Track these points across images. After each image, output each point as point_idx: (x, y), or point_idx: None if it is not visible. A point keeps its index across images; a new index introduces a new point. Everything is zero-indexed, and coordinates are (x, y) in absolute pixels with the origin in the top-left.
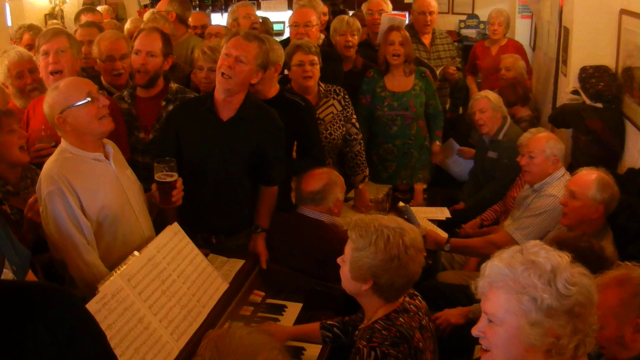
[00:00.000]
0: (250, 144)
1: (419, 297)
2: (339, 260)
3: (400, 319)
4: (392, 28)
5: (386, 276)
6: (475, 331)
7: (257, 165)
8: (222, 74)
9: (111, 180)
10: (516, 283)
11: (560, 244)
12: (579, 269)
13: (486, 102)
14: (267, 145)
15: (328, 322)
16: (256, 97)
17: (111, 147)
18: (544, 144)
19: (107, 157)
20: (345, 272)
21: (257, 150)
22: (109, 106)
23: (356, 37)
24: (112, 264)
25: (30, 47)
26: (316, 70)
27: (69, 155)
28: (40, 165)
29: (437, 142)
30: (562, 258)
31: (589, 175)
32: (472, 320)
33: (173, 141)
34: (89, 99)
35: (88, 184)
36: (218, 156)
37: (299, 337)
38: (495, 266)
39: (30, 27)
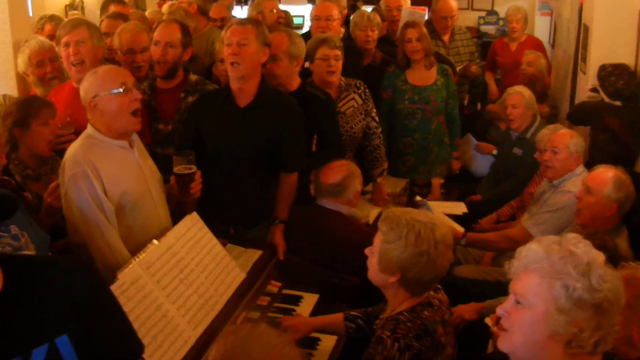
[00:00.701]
0: (269, 129)
1: (442, 291)
2: (367, 250)
3: (425, 312)
4: (406, 25)
5: (414, 270)
6: (499, 310)
7: (276, 152)
8: (231, 63)
9: (134, 168)
10: (551, 268)
11: None
12: (612, 271)
13: (520, 98)
14: (286, 131)
15: (352, 313)
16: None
17: (135, 136)
18: (568, 140)
19: (131, 146)
20: (373, 263)
21: (275, 135)
22: None
23: (376, 32)
24: (129, 250)
25: (51, 37)
26: (340, 65)
27: (95, 140)
28: (60, 153)
29: (456, 153)
30: (599, 256)
31: (607, 173)
32: (486, 316)
33: (194, 134)
34: (121, 89)
35: (112, 170)
36: (237, 143)
37: (322, 328)
38: (532, 250)
39: (52, 18)
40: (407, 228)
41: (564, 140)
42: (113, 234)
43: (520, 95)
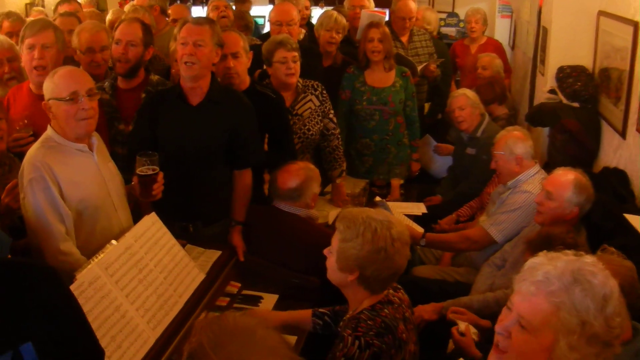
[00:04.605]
0: (222, 125)
1: (402, 291)
2: (325, 251)
3: (385, 310)
4: (371, 25)
5: (372, 268)
6: (499, 329)
7: (232, 149)
8: (186, 62)
9: (93, 172)
10: (569, 299)
11: (548, 237)
12: (621, 299)
13: (465, 100)
14: (240, 125)
15: (320, 310)
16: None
17: (96, 138)
18: (502, 144)
19: (90, 149)
20: (331, 263)
21: (229, 131)
22: None
23: (340, 35)
24: (90, 255)
25: (10, 34)
26: (298, 67)
27: (53, 143)
28: (18, 154)
29: (415, 155)
30: (614, 286)
31: (566, 176)
32: (445, 316)
33: (147, 131)
34: (69, 98)
35: (70, 174)
36: (192, 141)
37: (290, 323)
38: (549, 273)
39: (9, 15)
40: (364, 226)
41: (498, 146)
42: (66, 240)
43: (464, 96)
